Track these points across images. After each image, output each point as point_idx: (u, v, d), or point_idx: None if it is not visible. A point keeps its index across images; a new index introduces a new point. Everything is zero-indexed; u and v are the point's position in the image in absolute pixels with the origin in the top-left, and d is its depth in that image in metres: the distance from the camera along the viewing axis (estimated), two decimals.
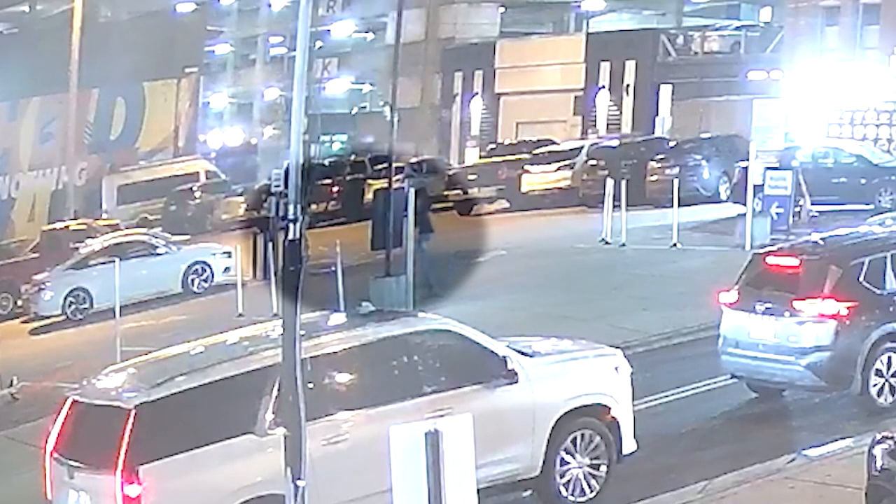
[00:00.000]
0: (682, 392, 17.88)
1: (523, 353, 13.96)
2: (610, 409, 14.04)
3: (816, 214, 31.00)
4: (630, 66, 54.60)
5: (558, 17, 67.55)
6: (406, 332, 13.57)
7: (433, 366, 13.52)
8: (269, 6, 72.41)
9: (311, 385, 12.47)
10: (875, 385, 16.06)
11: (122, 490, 11.98)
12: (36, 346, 31.52)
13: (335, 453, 12.59)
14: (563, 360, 14.40)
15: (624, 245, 30.88)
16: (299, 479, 10.20)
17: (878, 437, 10.90)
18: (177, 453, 12.12)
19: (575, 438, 13.82)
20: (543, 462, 13.64)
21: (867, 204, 32.49)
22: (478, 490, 12.93)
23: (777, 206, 29.63)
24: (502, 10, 66.18)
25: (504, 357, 13.63)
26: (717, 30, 59.46)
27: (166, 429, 12.26)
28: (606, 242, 31.47)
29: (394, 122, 31.37)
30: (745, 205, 29.34)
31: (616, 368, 14.37)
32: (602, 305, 24.18)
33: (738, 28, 59.71)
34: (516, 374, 13.57)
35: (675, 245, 29.84)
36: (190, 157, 59.30)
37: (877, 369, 16.05)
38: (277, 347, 12.55)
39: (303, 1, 10.43)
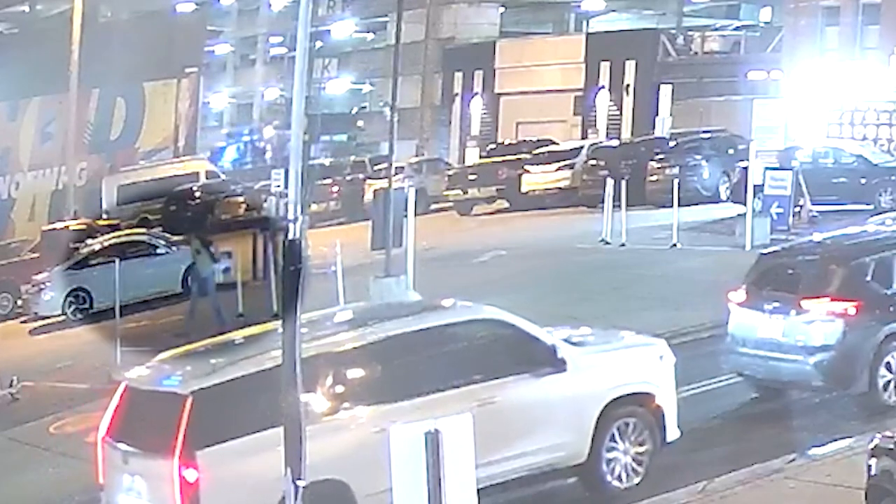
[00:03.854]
0: (682, 392, 17.85)
1: (571, 343, 14.16)
2: (654, 397, 14.26)
3: (816, 214, 30.98)
4: (630, 66, 54.59)
5: (558, 17, 67.54)
6: (456, 321, 13.83)
7: (484, 354, 13.74)
8: (269, 6, 72.47)
9: (360, 374, 12.96)
10: (882, 383, 16.10)
11: (180, 474, 12.12)
12: (36, 346, 31.49)
13: (384, 442, 12.66)
14: (609, 349, 14.62)
15: (624, 245, 30.87)
16: (299, 478, 10.22)
17: (878, 437, 10.90)
18: (232, 439, 12.22)
19: (620, 426, 14.01)
20: (590, 449, 13.82)
21: (867, 204, 32.47)
22: (525, 477, 13.33)
23: (777, 206, 29.65)
24: (502, 10, 66.17)
25: (553, 346, 13.84)
26: (717, 30, 59.47)
27: (222, 415, 12.36)
28: (606, 242, 31.46)
29: (394, 122, 31.39)
30: (745, 205, 29.34)
31: (660, 357, 14.59)
32: (602, 305, 24.16)
33: (738, 28, 59.74)
34: (565, 362, 13.77)
35: (675, 245, 29.83)
36: (190, 156, 59.32)
37: (884, 367, 16.09)
38: (327, 337, 13.11)
39: (303, 1, 10.44)
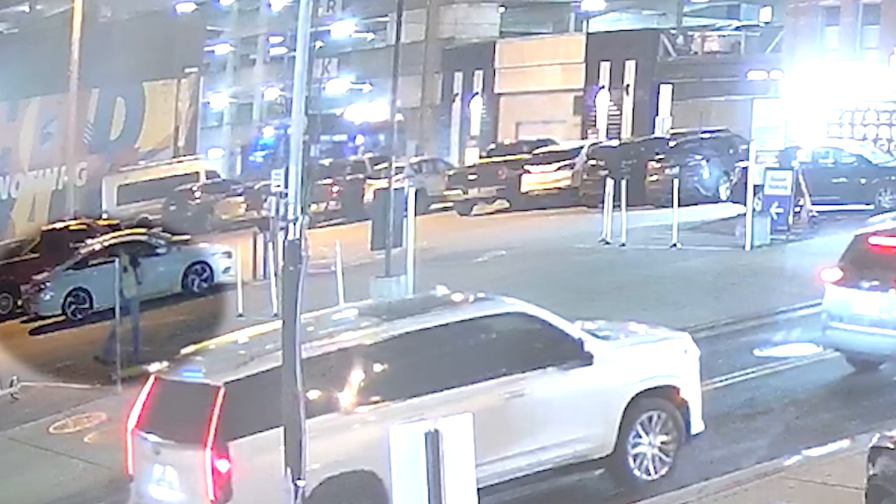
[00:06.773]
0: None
1: (597, 336, 14.27)
2: (679, 390, 14.36)
3: (816, 214, 30.98)
4: (630, 66, 54.59)
5: (558, 17, 67.55)
6: (483, 314, 13.93)
7: (513, 348, 13.84)
8: (269, 6, 72.40)
9: (389, 367, 13.07)
10: None
11: (212, 465, 12.15)
12: (36, 346, 31.49)
13: None
14: (635, 342, 14.73)
15: (624, 245, 30.86)
16: (299, 478, 10.22)
17: (878, 437, 10.90)
18: (264, 430, 12.14)
19: (646, 419, 14.11)
20: (616, 442, 13.92)
21: (867, 204, 32.48)
22: (553, 469, 13.45)
23: (777, 206, 29.64)
24: (502, 10, 66.17)
25: (580, 339, 13.93)
26: (717, 30, 59.48)
27: (253, 406, 12.35)
28: (606, 242, 31.44)
29: (394, 122, 31.43)
30: (745, 205, 29.35)
31: (685, 351, 14.71)
32: (603, 305, 24.12)
33: (738, 28, 59.75)
34: (592, 356, 13.86)
35: (674, 245, 29.82)
36: (190, 156, 59.40)
37: None
38: (356, 330, 13.26)
39: (303, 1, 10.44)
